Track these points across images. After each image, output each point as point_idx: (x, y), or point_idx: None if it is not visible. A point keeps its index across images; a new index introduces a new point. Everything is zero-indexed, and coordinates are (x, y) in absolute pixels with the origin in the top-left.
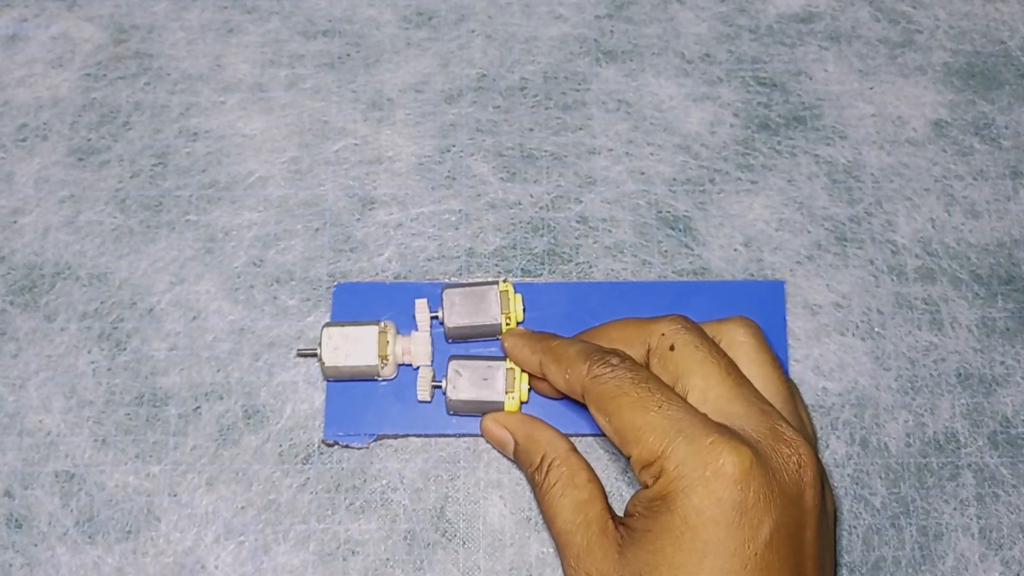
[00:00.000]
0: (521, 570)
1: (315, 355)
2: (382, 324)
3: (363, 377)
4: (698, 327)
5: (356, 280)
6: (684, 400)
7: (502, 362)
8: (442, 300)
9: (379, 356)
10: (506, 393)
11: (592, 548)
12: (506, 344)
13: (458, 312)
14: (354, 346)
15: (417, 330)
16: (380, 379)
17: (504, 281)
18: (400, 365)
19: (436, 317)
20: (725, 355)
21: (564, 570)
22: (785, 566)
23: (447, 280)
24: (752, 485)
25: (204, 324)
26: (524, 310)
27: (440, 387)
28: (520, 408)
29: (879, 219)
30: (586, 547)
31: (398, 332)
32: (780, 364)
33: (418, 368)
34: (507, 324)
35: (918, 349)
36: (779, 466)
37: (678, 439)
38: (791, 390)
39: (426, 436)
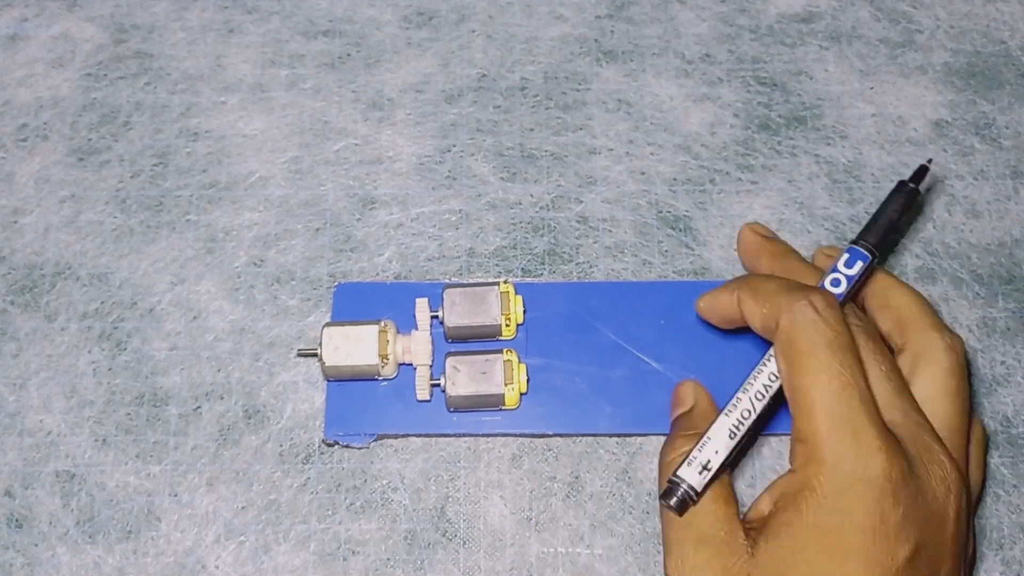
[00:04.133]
0: (521, 570)
1: (315, 355)
2: (382, 324)
3: (363, 377)
4: (871, 321)
5: (357, 280)
6: (866, 383)
7: (499, 354)
8: (442, 300)
9: (379, 355)
10: (506, 385)
11: (719, 542)
12: (700, 304)
13: (458, 312)
14: (354, 346)
15: (417, 329)
16: (380, 379)
17: (504, 282)
18: (401, 365)
19: (436, 317)
20: (889, 356)
21: (669, 561)
22: None
23: (448, 280)
24: (902, 499)
25: (204, 324)
26: (524, 311)
27: (439, 385)
28: (519, 400)
29: None
30: (713, 539)
31: (398, 332)
32: (966, 399)
33: (418, 367)
34: (506, 325)
35: None
36: (929, 487)
37: (845, 430)
38: (964, 427)
39: (426, 436)
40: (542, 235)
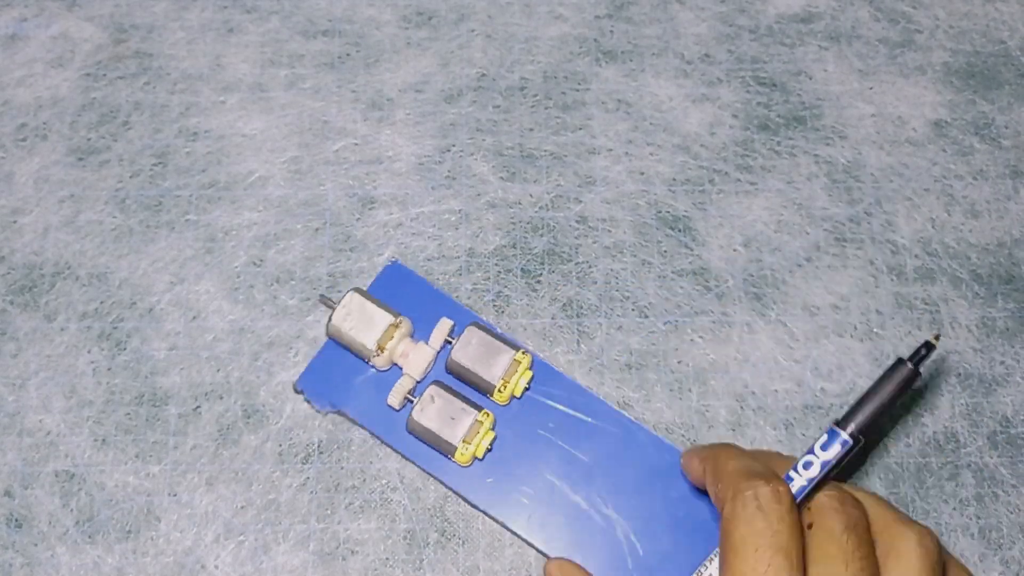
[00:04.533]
0: (521, 570)
1: (331, 307)
2: (399, 319)
3: (358, 354)
4: (864, 516)
5: (406, 268)
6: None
7: (476, 411)
8: (463, 332)
9: (377, 344)
10: (463, 441)
11: None
12: (682, 460)
13: (467, 353)
14: (363, 322)
15: (427, 343)
16: (371, 365)
17: (524, 352)
18: (394, 364)
19: (450, 343)
20: (869, 552)
21: None
22: None
23: (486, 301)
24: None
25: (204, 324)
26: (527, 389)
27: (411, 402)
28: (471, 461)
29: (879, 219)
30: None
31: (412, 335)
32: None
33: (405, 375)
34: (500, 391)
35: None
36: None
37: None
38: None
39: (375, 437)
40: (541, 235)
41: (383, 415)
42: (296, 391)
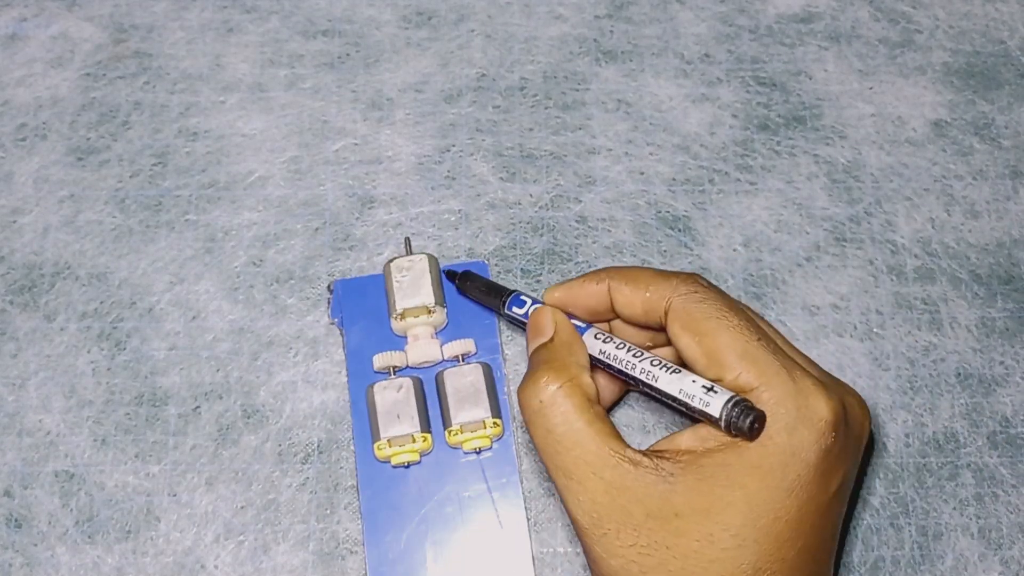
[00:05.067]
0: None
1: (408, 250)
2: (435, 309)
3: (387, 305)
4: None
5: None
6: (775, 341)
7: (420, 428)
8: (471, 362)
9: (403, 311)
10: (388, 440)
11: (626, 478)
12: (555, 294)
13: (457, 382)
14: (412, 285)
15: (443, 345)
16: (392, 323)
17: (497, 423)
18: (410, 339)
19: (458, 361)
20: (746, 315)
21: (571, 504)
22: (840, 515)
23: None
24: (839, 433)
25: (204, 324)
26: (478, 452)
27: (387, 375)
28: (386, 461)
29: (878, 219)
30: (616, 478)
31: (440, 327)
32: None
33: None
34: (452, 433)
35: (917, 349)
36: (852, 418)
37: (781, 375)
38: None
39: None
40: (541, 235)
41: (364, 364)
42: (328, 289)
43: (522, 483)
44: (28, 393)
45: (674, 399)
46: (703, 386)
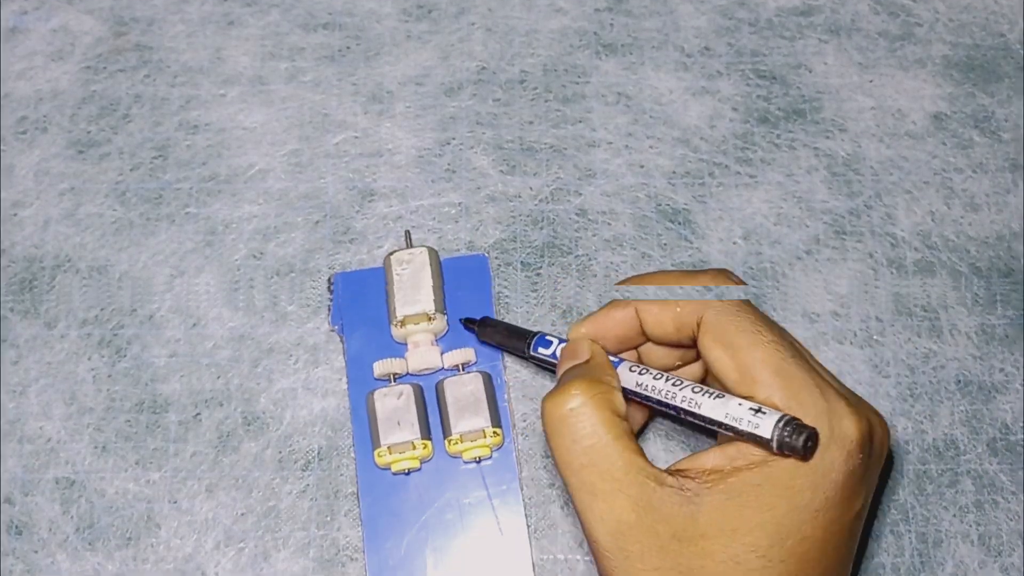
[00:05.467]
0: None
1: (408, 242)
2: (435, 316)
3: (388, 306)
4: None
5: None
6: (807, 359)
7: (420, 435)
8: (471, 371)
9: (403, 317)
10: (388, 447)
11: (652, 497)
12: (581, 329)
13: (457, 391)
14: (411, 285)
15: (443, 353)
16: (392, 330)
17: (497, 432)
18: (411, 346)
19: (458, 370)
20: (780, 330)
21: (593, 523)
22: (858, 535)
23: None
24: (865, 454)
25: (204, 331)
26: (478, 461)
27: (388, 382)
28: (386, 468)
29: (878, 212)
30: (643, 496)
31: (440, 334)
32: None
33: (414, 349)
34: (452, 443)
35: (917, 356)
36: (875, 438)
37: (814, 394)
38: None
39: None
40: (541, 228)
41: (364, 371)
42: (328, 282)
43: (522, 490)
44: (29, 400)
45: (719, 424)
46: (750, 408)
